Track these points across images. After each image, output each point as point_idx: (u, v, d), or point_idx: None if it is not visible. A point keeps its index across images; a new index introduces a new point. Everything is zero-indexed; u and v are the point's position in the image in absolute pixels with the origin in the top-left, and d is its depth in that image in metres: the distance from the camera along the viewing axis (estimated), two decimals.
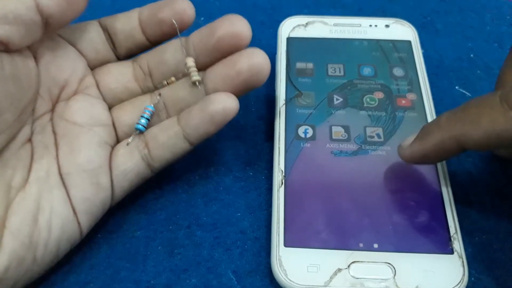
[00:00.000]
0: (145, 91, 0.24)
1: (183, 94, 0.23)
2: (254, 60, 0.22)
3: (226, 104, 0.22)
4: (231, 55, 0.22)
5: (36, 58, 0.22)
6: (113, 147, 0.23)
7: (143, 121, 0.23)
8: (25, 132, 0.21)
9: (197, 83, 0.23)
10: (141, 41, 0.24)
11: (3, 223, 0.19)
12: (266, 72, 0.22)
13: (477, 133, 0.19)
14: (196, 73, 0.23)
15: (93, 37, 0.24)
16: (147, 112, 0.23)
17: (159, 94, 0.24)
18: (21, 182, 0.20)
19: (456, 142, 0.20)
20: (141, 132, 0.23)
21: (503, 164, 0.25)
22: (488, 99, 0.19)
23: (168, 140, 0.22)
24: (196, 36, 0.23)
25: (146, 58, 0.24)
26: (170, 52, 0.24)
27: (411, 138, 0.22)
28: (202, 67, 0.23)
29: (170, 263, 0.22)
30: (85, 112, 0.23)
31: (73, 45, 0.23)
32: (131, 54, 0.25)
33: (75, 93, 0.23)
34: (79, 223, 0.21)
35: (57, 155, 0.22)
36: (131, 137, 0.23)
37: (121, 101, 0.24)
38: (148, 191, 0.25)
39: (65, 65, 0.23)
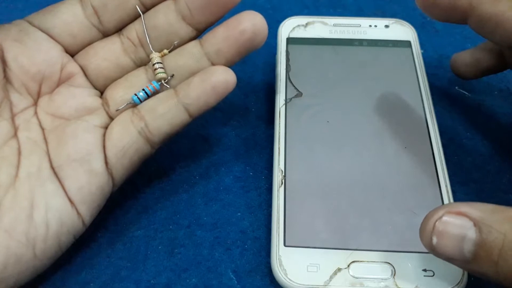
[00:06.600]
0: (138, 63, 0.24)
1: (182, 62, 0.23)
2: (256, 20, 0.22)
3: (226, 76, 0.22)
4: (230, 18, 0.22)
5: (2, 51, 0.21)
6: (106, 128, 0.22)
7: (141, 94, 0.22)
8: (4, 129, 0.21)
9: (163, 81, 0.23)
10: (133, 8, 0.23)
11: None
12: (265, 32, 0.22)
13: (488, 8, 0.20)
14: (162, 70, 0.23)
15: (67, 19, 0.23)
16: (150, 88, 0.22)
17: (172, 75, 0.23)
18: (9, 179, 0.20)
19: (468, 3, 0.21)
20: (135, 104, 0.23)
21: (503, 162, 0.26)
22: None
23: (168, 111, 0.22)
24: None
25: (133, 28, 0.24)
26: (163, 14, 0.23)
27: None
28: (196, 26, 0.23)
29: (170, 263, 0.22)
30: (69, 105, 0.22)
31: (45, 31, 0.23)
32: (120, 28, 0.24)
33: (59, 83, 0.23)
34: (79, 213, 0.21)
35: (47, 150, 0.21)
36: (122, 106, 0.22)
37: (115, 79, 0.24)
38: (148, 191, 0.25)
39: (37, 56, 0.22)
